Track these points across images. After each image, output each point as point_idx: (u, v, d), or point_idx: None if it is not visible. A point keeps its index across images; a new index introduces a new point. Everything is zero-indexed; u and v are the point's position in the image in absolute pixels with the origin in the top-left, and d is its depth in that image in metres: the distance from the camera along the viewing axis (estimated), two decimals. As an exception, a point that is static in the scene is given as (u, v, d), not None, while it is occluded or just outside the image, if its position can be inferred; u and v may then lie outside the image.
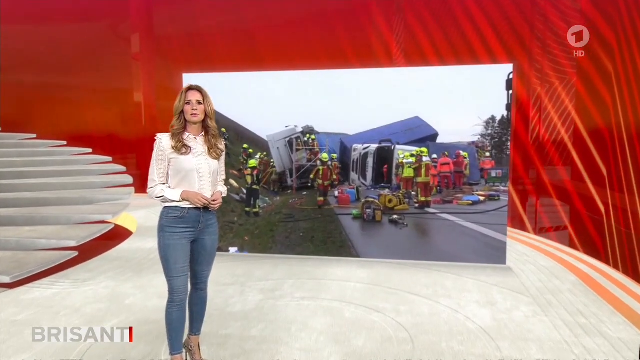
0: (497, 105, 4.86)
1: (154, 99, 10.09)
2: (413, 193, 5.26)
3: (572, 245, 6.25)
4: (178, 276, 2.59)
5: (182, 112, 2.60)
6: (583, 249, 5.95)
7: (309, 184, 5.50)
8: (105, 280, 4.62)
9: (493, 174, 5.08)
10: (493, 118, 4.92)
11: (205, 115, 2.63)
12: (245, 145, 5.56)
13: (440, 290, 4.29)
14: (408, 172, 5.25)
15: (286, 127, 5.41)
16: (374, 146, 5.32)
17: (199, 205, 2.59)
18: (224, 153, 2.76)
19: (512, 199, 7.00)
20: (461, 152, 5.13)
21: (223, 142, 2.78)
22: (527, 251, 5.77)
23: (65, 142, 10.04)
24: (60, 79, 10.23)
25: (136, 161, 9.93)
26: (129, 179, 9.34)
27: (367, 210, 5.30)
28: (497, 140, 5.02)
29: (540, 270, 4.96)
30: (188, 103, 2.58)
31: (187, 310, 2.72)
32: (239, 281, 4.58)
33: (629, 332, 3.42)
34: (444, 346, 3.18)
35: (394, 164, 5.30)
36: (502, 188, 5.07)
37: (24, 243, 5.78)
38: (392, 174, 5.34)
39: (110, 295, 4.17)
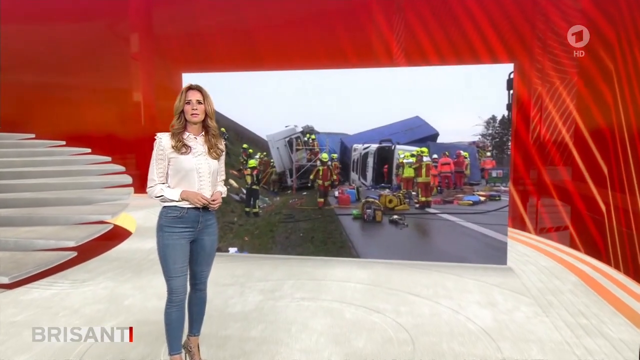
0: (497, 105, 4.85)
1: (153, 99, 10.08)
2: (413, 193, 5.24)
3: (573, 245, 6.24)
4: (177, 276, 2.58)
5: (182, 111, 2.59)
6: (584, 249, 5.94)
7: (309, 184, 5.48)
8: (104, 280, 4.60)
9: (494, 174, 5.06)
10: (494, 118, 4.90)
11: (206, 115, 2.62)
12: (245, 145, 5.54)
13: (440, 291, 4.27)
14: (408, 172, 5.23)
15: (286, 126, 5.39)
16: (374, 146, 5.31)
17: (199, 205, 2.57)
18: (224, 153, 2.75)
19: (513, 199, 6.99)
20: (462, 152, 5.11)
21: (223, 142, 2.76)
22: (527, 251, 5.75)
23: (64, 142, 10.01)
24: (59, 78, 10.21)
25: (135, 161, 9.91)
26: (128, 179, 9.32)
27: (368, 210, 5.28)
28: (497, 140, 5.00)
29: (541, 270, 4.95)
30: (188, 103, 2.57)
31: (186, 310, 2.71)
32: (239, 282, 4.56)
33: (630, 332, 3.40)
34: (444, 347, 3.16)
35: (394, 164, 5.29)
36: (502, 188, 5.05)
37: (22, 243, 5.76)
38: (392, 174, 5.32)
39: (109, 296, 4.15)
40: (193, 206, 2.58)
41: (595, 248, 5.93)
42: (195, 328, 2.82)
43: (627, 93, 5.54)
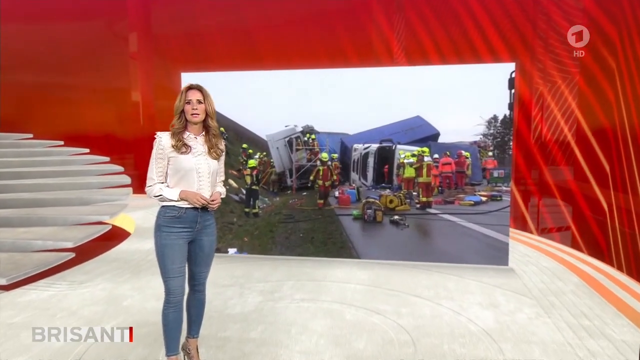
0: (499, 104, 4.82)
1: (152, 99, 10.04)
2: (414, 193, 5.22)
3: (575, 246, 6.20)
4: (174, 277, 2.55)
5: (183, 111, 2.57)
6: (586, 250, 5.91)
7: (309, 184, 5.45)
8: (102, 282, 4.56)
9: (495, 174, 5.04)
10: (495, 117, 4.87)
11: (206, 114, 2.60)
12: (244, 145, 5.51)
13: (442, 292, 4.24)
14: (409, 172, 5.20)
15: (286, 126, 5.36)
16: (374, 146, 5.28)
17: (197, 205, 2.55)
18: (224, 153, 2.73)
19: (515, 199, 6.96)
20: (463, 151, 5.08)
21: (223, 143, 2.74)
22: (529, 252, 5.73)
23: (62, 142, 9.98)
24: (58, 78, 10.18)
25: (134, 161, 9.87)
26: (126, 180, 9.29)
27: (368, 210, 5.25)
28: (499, 139, 4.97)
29: (543, 271, 4.92)
30: (188, 102, 2.55)
31: (184, 311, 2.68)
32: (238, 282, 4.53)
33: (633, 334, 3.37)
34: (446, 348, 3.13)
35: (395, 164, 5.26)
36: (504, 188, 5.02)
37: (20, 244, 5.73)
38: (393, 174, 5.29)
39: (107, 297, 4.12)
40: (191, 206, 2.56)
41: (598, 249, 5.90)
42: (194, 330, 2.80)
43: (630, 91, 5.51)
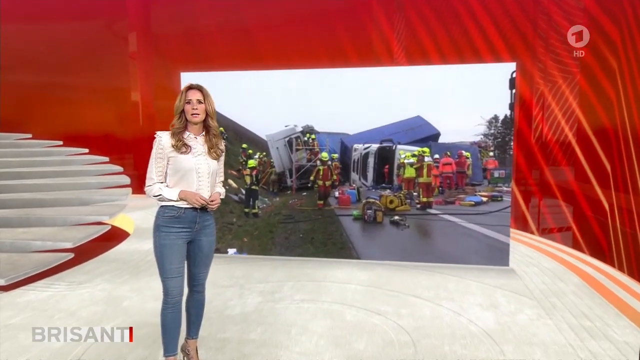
0: (500, 105, 4.80)
1: (152, 99, 10.02)
2: (415, 193, 5.20)
3: (576, 246, 6.19)
4: (173, 277, 2.54)
5: (183, 111, 2.56)
6: (587, 251, 5.89)
7: (309, 185, 5.43)
8: (101, 282, 4.55)
9: (496, 174, 5.02)
10: (496, 117, 4.86)
11: (206, 114, 2.59)
12: (244, 145, 5.49)
13: (442, 293, 4.23)
14: (409, 173, 5.19)
15: (286, 126, 5.35)
16: (374, 146, 5.26)
17: (197, 206, 2.54)
18: (223, 153, 2.71)
19: (516, 199, 6.94)
20: (463, 152, 5.07)
21: (223, 143, 2.72)
22: (530, 253, 5.71)
23: (61, 142, 9.96)
24: (57, 78, 10.16)
25: (133, 161, 9.86)
26: (126, 180, 9.26)
27: (368, 211, 5.23)
28: (500, 139, 4.96)
29: (544, 272, 4.90)
30: (188, 102, 2.54)
31: (183, 312, 2.66)
32: (238, 283, 4.51)
33: (635, 335, 3.36)
34: (446, 350, 3.12)
35: (395, 164, 5.24)
36: (505, 188, 5.00)
37: (19, 245, 5.71)
38: (393, 175, 5.27)
39: (106, 298, 4.10)
40: (190, 206, 2.55)
41: (599, 249, 5.88)
42: (193, 331, 2.78)
43: (631, 91, 5.50)
